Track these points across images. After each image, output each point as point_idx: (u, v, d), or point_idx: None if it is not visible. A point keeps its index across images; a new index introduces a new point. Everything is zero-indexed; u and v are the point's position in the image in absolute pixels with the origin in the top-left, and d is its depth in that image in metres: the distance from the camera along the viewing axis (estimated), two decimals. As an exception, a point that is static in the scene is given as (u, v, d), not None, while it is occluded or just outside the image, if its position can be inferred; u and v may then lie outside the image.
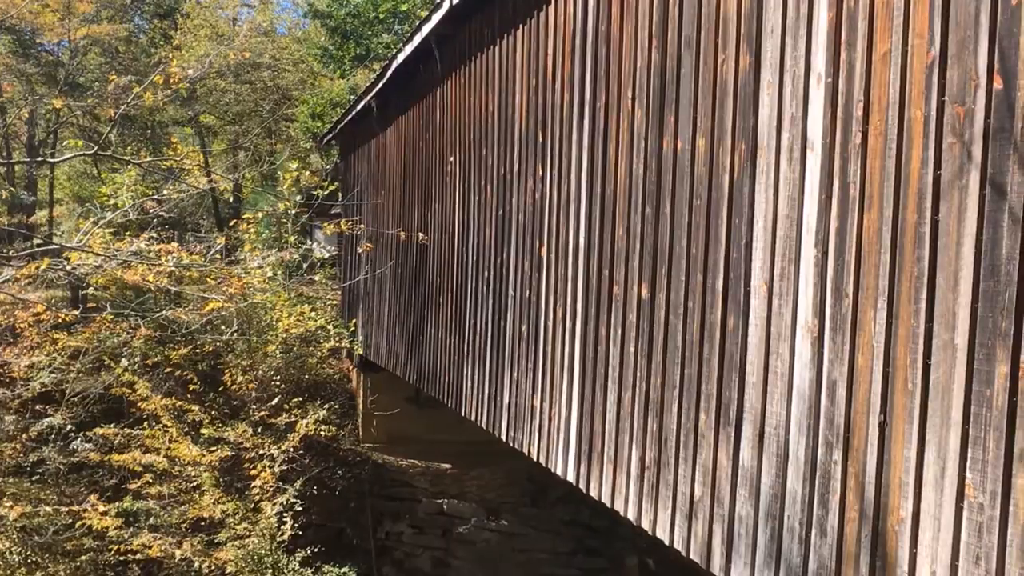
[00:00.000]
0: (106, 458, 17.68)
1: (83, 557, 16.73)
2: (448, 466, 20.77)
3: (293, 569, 16.47)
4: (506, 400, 11.44)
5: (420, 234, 14.95)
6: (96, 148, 14.50)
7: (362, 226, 17.98)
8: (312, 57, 36.57)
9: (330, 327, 21.22)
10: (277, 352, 20.47)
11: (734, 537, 6.64)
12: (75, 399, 19.21)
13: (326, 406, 19.50)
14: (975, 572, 4.54)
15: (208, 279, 15.59)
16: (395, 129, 17.50)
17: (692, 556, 7.20)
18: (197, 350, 19.82)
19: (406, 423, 21.07)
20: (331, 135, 23.90)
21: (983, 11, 4.57)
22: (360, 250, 18.91)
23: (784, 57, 6.16)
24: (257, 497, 16.91)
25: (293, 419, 18.60)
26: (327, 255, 27.32)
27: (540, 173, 10.41)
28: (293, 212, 17.05)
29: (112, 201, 14.52)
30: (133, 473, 17.45)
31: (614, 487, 8.54)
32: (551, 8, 10.06)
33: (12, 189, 29.43)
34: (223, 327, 19.51)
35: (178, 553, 16.08)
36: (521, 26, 10.98)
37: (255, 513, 16.75)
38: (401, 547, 20.18)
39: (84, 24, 28.01)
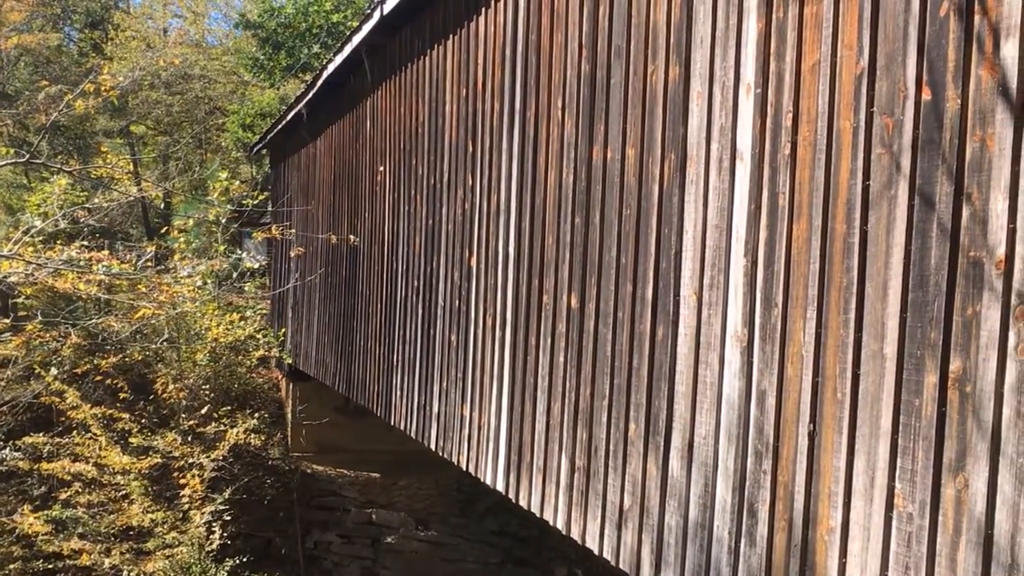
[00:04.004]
0: (35, 467, 17.59)
1: (12, 566, 16.60)
2: (377, 475, 20.70)
3: (221, 579, 16.41)
4: (436, 409, 11.41)
5: (351, 236, 14.89)
6: (27, 156, 14.39)
7: (292, 231, 17.92)
8: (243, 67, 36.46)
9: (259, 336, 21.15)
10: (206, 361, 20.39)
11: (663, 547, 6.63)
12: (4, 408, 19.03)
13: (255, 415, 19.39)
14: (903, 582, 4.55)
15: (139, 287, 15.48)
16: (325, 139, 17.44)
17: (622, 566, 7.19)
18: (127, 359, 19.70)
19: (335, 432, 21.05)
20: (262, 145, 23.79)
21: (912, 23, 4.59)
22: (292, 254, 18.85)
23: (714, 67, 6.16)
24: (186, 506, 16.83)
25: (222, 428, 18.51)
26: (257, 265, 27.25)
27: (470, 182, 10.40)
28: (224, 220, 16.98)
29: (42, 210, 14.42)
30: (62, 482, 17.33)
31: (543, 496, 8.53)
32: (481, 18, 10.05)
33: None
34: (153, 336, 19.43)
35: (107, 561, 15.97)
36: (452, 36, 10.96)
37: (184, 522, 16.67)
38: (330, 556, 20.10)
39: (15, 33, 27.84)
